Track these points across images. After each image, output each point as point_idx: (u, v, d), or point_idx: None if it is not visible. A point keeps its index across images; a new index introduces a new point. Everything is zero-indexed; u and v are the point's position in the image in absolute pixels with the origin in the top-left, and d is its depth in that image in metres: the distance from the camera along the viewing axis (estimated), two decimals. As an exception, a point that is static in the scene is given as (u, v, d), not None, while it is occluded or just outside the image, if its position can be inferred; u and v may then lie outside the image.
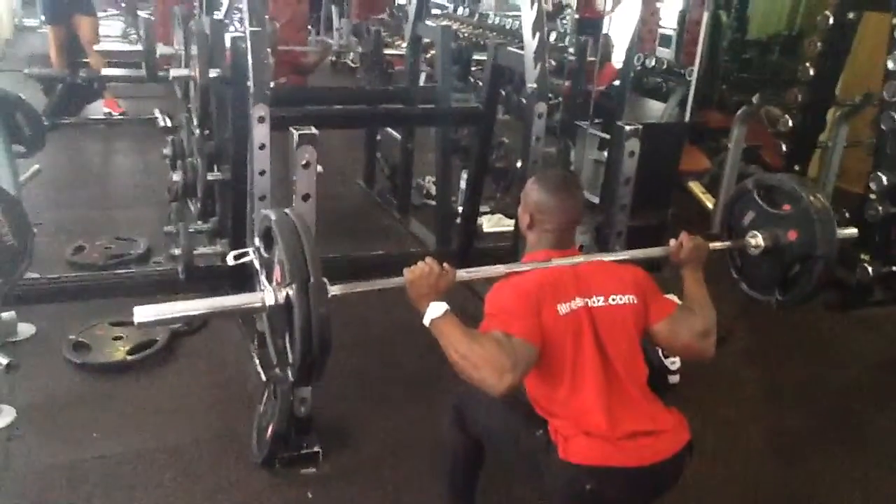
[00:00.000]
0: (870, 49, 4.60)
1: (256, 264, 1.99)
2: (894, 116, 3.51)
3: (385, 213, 5.38)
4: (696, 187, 5.44)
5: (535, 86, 3.48)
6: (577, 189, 2.18)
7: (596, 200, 4.26)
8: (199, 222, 3.97)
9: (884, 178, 3.52)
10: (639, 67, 6.30)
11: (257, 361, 3.23)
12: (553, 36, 6.54)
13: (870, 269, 3.53)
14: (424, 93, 5.05)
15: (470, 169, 4.28)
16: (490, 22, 7.36)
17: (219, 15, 4.05)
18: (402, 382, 3.32)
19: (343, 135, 6.26)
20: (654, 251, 2.29)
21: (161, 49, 4.19)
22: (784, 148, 4.34)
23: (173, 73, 3.80)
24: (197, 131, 3.85)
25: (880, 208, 3.52)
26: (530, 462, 1.99)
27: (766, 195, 2.47)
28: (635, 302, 2.01)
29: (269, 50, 3.45)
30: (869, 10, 4.07)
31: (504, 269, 2.08)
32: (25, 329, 3.41)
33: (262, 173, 2.99)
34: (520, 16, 3.81)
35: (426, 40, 5.24)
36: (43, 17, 8.11)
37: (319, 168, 2.61)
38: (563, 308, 1.93)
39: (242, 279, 2.76)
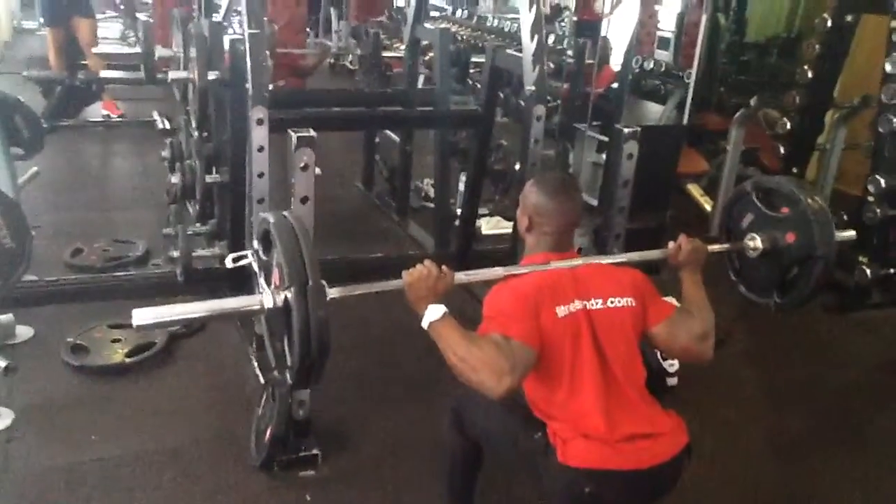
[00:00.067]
0: (868, 51, 4.60)
1: (255, 267, 1.99)
2: (892, 119, 3.51)
3: (384, 215, 5.38)
4: (694, 189, 5.44)
5: (533, 88, 3.48)
6: (575, 192, 2.18)
7: (594, 203, 4.27)
8: (198, 224, 3.96)
9: (882, 181, 3.52)
10: (637, 70, 6.31)
11: (256, 364, 3.23)
12: (551, 38, 6.54)
13: (868, 271, 3.53)
14: (423, 95, 5.05)
15: (468, 171, 4.29)
16: (488, 24, 7.36)
17: (217, 17, 4.05)
18: (401, 384, 3.31)
19: (342, 137, 6.26)
20: (652, 254, 2.29)
21: (160, 51, 4.19)
22: (782, 150, 4.35)
23: (172, 75, 3.80)
24: (195, 133, 3.85)
25: (878, 210, 3.52)
26: (529, 464, 2.00)
27: (764, 198, 2.48)
28: (633, 304, 2.01)
29: (267, 52, 3.45)
30: (867, 13, 4.08)
31: (502, 272, 2.08)
32: (24, 331, 3.40)
33: (260, 175, 2.99)
34: (518, 18, 3.81)
35: (425, 43, 5.24)
36: (42, 20, 8.12)
37: (318, 170, 2.61)
38: (561, 311, 1.93)
39: (241, 281, 2.75)
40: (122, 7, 10.70)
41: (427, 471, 2.67)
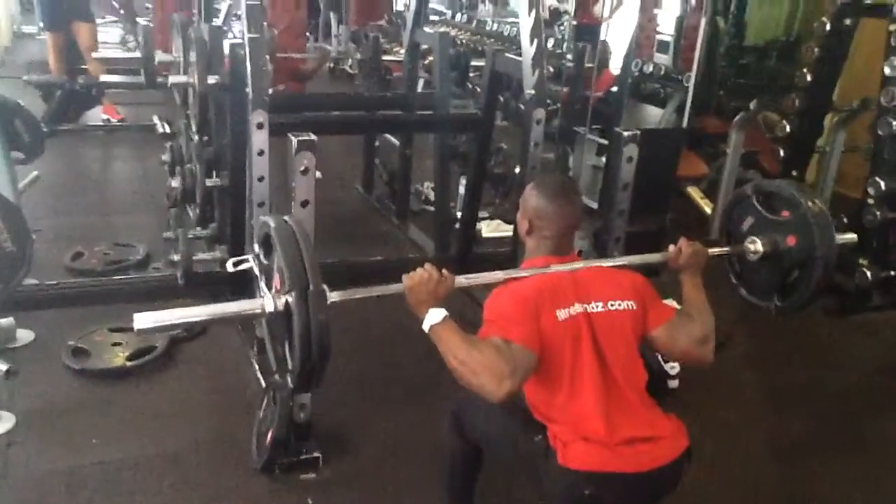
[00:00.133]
0: (867, 55, 4.61)
1: (256, 271, 1.99)
2: (891, 122, 3.51)
3: (384, 218, 5.38)
4: (694, 193, 5.44)
5: (533, 92, 3.49)
6: (575, 195, 2.18)
7: (594, 206, 4.27)
8: (198, 228, 3.97)
9: (881, 183, 3.52)
10: (637, 73, 6.31)
11: (257, 367, 3.23)
12: (551, 42, 6.55)
13: (868, 273, 3.53)
14: (423, 99, 5.05)
15: (468, 175, 4.29)
16: (488, 28, 7.37)
17: (217, 22, 4.06)
18: (402, 386, 3.32)
19: (341, 141, 6.27)
20: (652, 257, 2.30)
21: (160, 56, 4.19)
22: (782, 153, 4.35)
23: (172, 79, 3.80)
24: (196, 137, 3.85)
25: (878, 213, 3.52)
26: (529, 467, 2.00)
27: (764, 201, 2.48)
28: (634, 308, 2.02)
29: (267, 57, 3.46)
30: (866, 17, 4.08)
31: (503, 276, 2.09)
32: (24, 335, 3.41)
33: (260, 179, 3.00)
34: (517, 22, 3.81)
35: (424, 47, 5.25)
36: (42, 24, 8.11)
37: (318, 174, 2.62)
38: (561, 314, 1.93)
39: (242, 285, 2.75)
40: (122, 11, 10.70)
41: (428, 473, 2.66)
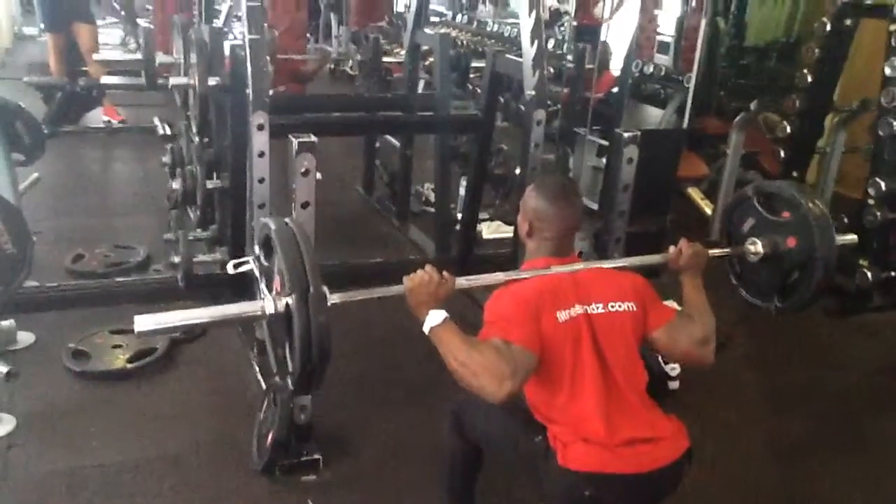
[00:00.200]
0: (867, 55, 4.61)
1: (256, 273, 1.99)
2: (892, 122, 3.51)
3: (384, 220, 5.38)
4: (694, 193, 5.44)
5: (533, 93, 3.49)
6: (575, 196, 2.18)
7: (595, 207, 4.27)
8: (199, 230, 3.97)
9: (882, 184, 3.52)
10: (637, 74, 6.31)
11: (257, 369, 3.23)
12: (551, 43, 6.55)
13: (869, 274, 3.53)
14: (423, 100, 5.06)
15: (469, 176, 4.29)
16: (488, 29, 7.37)
17: (218, 23, 4.06)
18: (402, 388, 3.31)
19: (342, 142, 6.27)
20: (653, 258, 2.30)
21: (160, 58, 4.20)
22: (782, 154, 4.35)
23: (173, 81, 3.81)
24: (196, 139, 3.85)
25: (879, 214, 3.53)
26: (529, 468, 2.00)
27: (765, 202, 2.48)
28: (634, 309, 2.02)
29: (268, 58, 3.46)
30: (866, 17, 4.08)
31: (503, 277, 2.09)
32: (25, 337, 3.41)
33: (261, 181, 3.00)
34: (518, 23, 3.82)
35: (425, 48, 5.25)
36: (42, 26, 8.12)
37: (318, 175, 2.62)
38: (562, 315, 1.93)
39: (242, 287, 2.76)
40: (122, 13, 10.71)
41: (428, 475, 2.66)
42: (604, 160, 5.32)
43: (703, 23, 5.48)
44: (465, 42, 6.98)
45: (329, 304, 1.79)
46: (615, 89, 6.12)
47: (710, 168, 5.75)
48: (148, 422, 2.99)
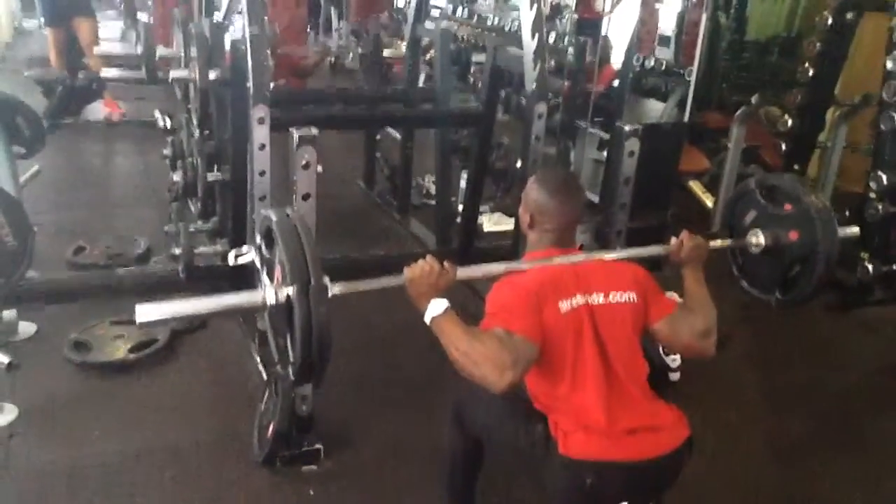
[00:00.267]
0: (869, 50, 4.61)
1: (257, 263, 1.99)
2: (893, 116, 3.52)
3: (385, 213, 5.38)
4: (696, 187, 5.44)
5: (534, 86, 3.48)
6: (577, 190, 2.18)
7: (596, 200, 4.27)
8: (200, 222, 3.97)
9: (883, 178, 3.53)
10: (638, 68, 6.30)
11: (258, 360, 3.24)
12: (552, 37, 6.55)
13: (870, 268, 3.54)
14: (424, 94, 5.06)
15: (470, 169, 4.29)
16: (489, 23, 7.37)
17: (218, 17, 4.05)
18: (404, 384, 3.31)
19: (343, 135, 6.27)
20: (654, 249, 2.29)
21: (161, 51, 4.19)
22: (784, 148, 4.35)
23: (173, 74, 3.81)
24: (197, 132, 3.85)
25: (880, 207, 3.53)
26: (530, 458, 2.00)
27: (767, 194, 2.47)
28: (635, 300, 2.02)
29: (268, 52, 3.46)
30: (868, 12, 4.08)
31: (504, 268, 2.08)
32: (26, 328, 3.41)
33: (262, 174, 3.00)
34: (519, 17, 3.81)
35: (425, 41, 5.24)
36: (42, 20, 8.11)
37: (319, 168, 2.62)
38: (564, 305, 1.93)
39: (243, 279, 2.75)
40: (122, 7, 10.70)
41: (428, 469, 2.65)
42: (605, 154, 5.33)
43: (705, 17, 5.47)
44: (465, 36, 6.98)
45: (330, 294, 1.79)
46: (616, 83, 6.11)
47: (712, 162, 5.75)
48: (149, 412, 2.99)
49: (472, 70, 6.29)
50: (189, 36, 3.66)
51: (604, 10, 6.16)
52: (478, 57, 6.11)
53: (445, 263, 1.94)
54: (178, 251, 3.48)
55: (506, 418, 2.07)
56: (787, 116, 4.31)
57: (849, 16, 4.05)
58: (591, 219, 3.22)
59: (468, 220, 4.25)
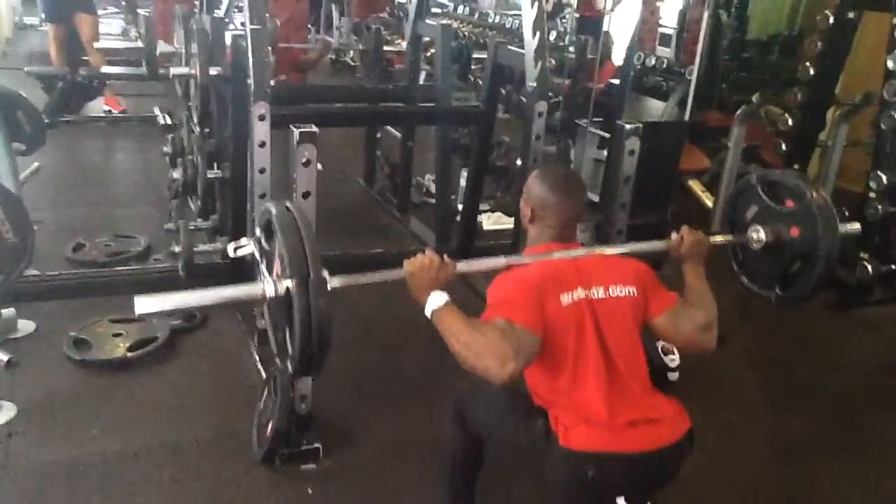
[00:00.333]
0: (870, 49, 4.61)
1: (257, 255, 1.99)
2: (894, 116, 3.52)
3: (385, 211, 5.38)
4: (696, 186, 5.44)
5: (535, 84, 3.48)
6: (578, 187, 2.18)
7: (596, 199, 4.27)
8: (200, 220, 3.97)
9: (883, 178, 3.53)
10: (639, 66, 6.30)
11: (257, 358, 3.24)
12: (553, 35, 6.54)
13: (869, 267, 3.54)
14: (424, 91, 5.05)
15: (470, 167, 4.28)
16: (490, 21, 7.36)
17: (219, 13, 4.05)
18: (403, 382, 3.31)
19: (343, 133, 6.26)
20: (655, 244, 2.29)
21: (161, 47, 4.18)
22: (784, 147, 4.35)
23: (174, 71, 3.80)
24: (197, 129, 3.85)
25: (880, 207, 3.53)
26: (530, 453, 1.98)
27: (769, 190, 2.47)
28: (635, 294, 2.01)
29: (269, 48, 3.45)
30: (869, 10, 4.08)
31: (504, 262, 2.08)
32: (26, 326, 3.41)
33: (262, 171, 3.00)
34: (520, 14, 3.81)
35: (426, 39, 5.24)
36: (43, 16, 8.10)
37: (319, 166, 2.62)
38: (565, 298, 1.93)
39: (242, 276, 2.75)
40: (123, 3, 10.69)
41: (428, 467, 2.65)
42: (605, 152, 5.33)
43: (706, 15, 5.46)
44: (466, 33, 6.96)
45: (329, 287, 1.79)
46: (617, 81, 6.11)
47: (712, 161, 5.75)
48: (148, 411, 2.99)
49: (472, 68, 6.27)
50: (190, 32, 3.66)
51: (605, 8, 6.15)
52: (479, 55, 6.09)
53: (445, 257, 1.94)
54: (177, 249, 3.47)
55: (506, 414, 2.07)
56: (787, 115, 4.31)
57: (850, 14, 4.04)
58: (591, 218, 3.21)
59: (468, 219, 4.25)
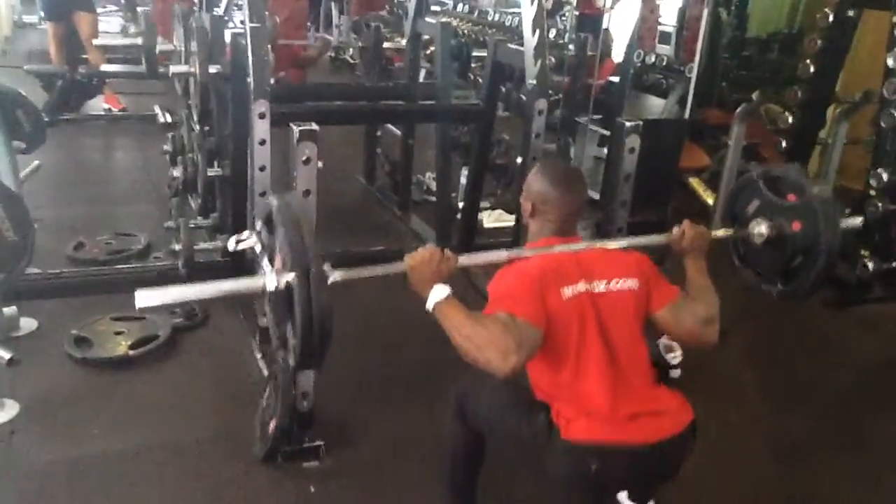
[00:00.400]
0: (870, 46, 4.60)
1: (257, 248, 1.99)
2: (894, 114, 3.51)
3: (385, 209, 5.38)
4: (696, 184, 5.43)
5: (534, 82, 3.48)
6: (579, 180, 2.18)
7: (596, 197, 4.27)
8: (200, 218, 3.97)
9: (884, 175, 3.52)
10: (639, 64, 6.29)
11: (259, 356, 3.24)
12: (553, 33, 6.54)
13: (870, 265, 3.54)
14: (424, 89, 5.05)
15: (470, 165, 4.28)
16: (490, 18, 7.35)
17: (218, 11, 4.05)
18: (404, 380, 3.31)
19: (343, 131, 6.26)
20: (656, 238, 2.29)
21: (161, 45, 4.18)
22: (784, 145, 4.34)
23: (173, 69, 3.80)
24: (197, 127, 3.85)
25: (880, 205, 3.52)
26: (532, 448, 1.98)
27: (771, 185, 2.47)
28: (637, 288, 2.02)
29: (269, 46, 3.45)
30: (869, 8, 4.07)
31: (506, 255, 2.09)
32: (27, 324, 3.41)
33: (262, 169, 3.00)
34: (519, 12, 3.81)
35: (426, 37, 5.23)
36: (42, 14, 8.10)
37: (320, 164, 2.62)
38: (567, 291, 1.93)
39: (243, 273, 2.75)
40: (122, 1, 10.68)
41: (429, 465, 2.64)
42: (605, 150, 5.33)
43: (705, 13, 5.46)
44: (466, 31, 6.96)
45: (330, 281, 1.79)
46: (616, 78, 6.10)
47: (712, 159, 5.74)
48: (149, 409, 2.99)
49: (472, 66, 6.26)
50: (189, 30, 3.66)
51: (604, 6, 6.15)
52: (478, 53, 6.08)
53: (446, 251, 1.93)
54: (177, 247, 3.46)
55: (508, 409, 2.07)
56: (787, 113, 4.31)
57: (850, 12, 4.04)
58: (591, 216, 3.21)
59: (468, 217, 4.25)
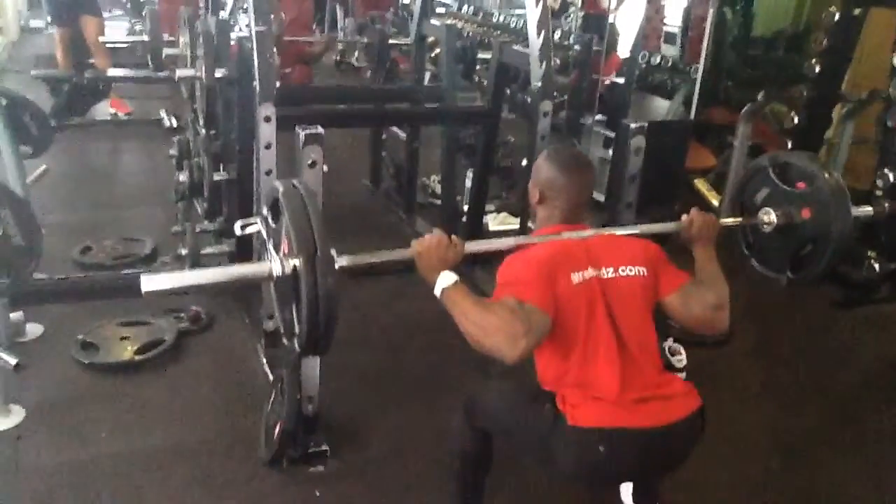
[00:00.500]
0: (876, 45, 4.58)
1: (264, 234, 1.98)
2: (900, 113, 3.50)
3: (390, 211, 5.38)
4: (701, 185, 5.42)
5: (540, 84, 3.48)
6: (587, 168, 2.18)
7: (601, 198, 4.25)
8: (206, 222, 3.97)
9: (890, 175, 3.51)
10: (644, 64, 6.29)
11: (264, 360, 3.24)
12: (558, 34, 6.53)
13: (876, 265, 3.52)
14: (430, 92, 5.05)
15: (475, 168, 4.28)
16: (495, 20, 7.35)
17: (224, 15, 4.06)
18: (408, 382, 3.30)
19: (348, 134, 6.26)
20: (665, 226, 2.27)
21: (167, 50, 4.19)
22: (790, 145, 4.33)
23: (179, 73, 3.81)
24: (203, 131, 3.85)
25: (887, 205, 3.51)
26: (539, 438, 1.96)
27: (780, 173, 2.45)
28: (645, 274, 2.01)
29: (274, 49, 3.46)
30: (875, 7, 4.06)
31: (514, 242, 2.09)
32: (33, 329, 3.42)
33: (268, 173, 3.00)
34: (524, 14, 3.81)
35: (431, 39, 5.23)
36: (49, 18, 8.12)
37: (325, 167, 2.62)
38: (576, 277, 1.93)
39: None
40: (128, 5, 10.71)
41: (434, 467, 2.66)
42: (610, 151, 5.31)
43: (710, 13, 5.45)
44: (471, 33, 6.96)
45: (337, 266, 1.78)
46: (621, 80, 6.10)
47: (718, 159, 5.73)
48: (155, 413, 3.00)
49: (477, 68, 6.26)
50: (195, 34, 3.66)
51: (609, 6, 6.15)
52: (483, 54, 6.09)
53: (454, 237, 1.93)
54: (184, 251, 3.48)
55: (514, 403, 2.07)
56: (793, 113, 4.30)
57: (856, 11, 4.03)
58: (597, 217, 3.21)
59: (474, 219, 4.25)
